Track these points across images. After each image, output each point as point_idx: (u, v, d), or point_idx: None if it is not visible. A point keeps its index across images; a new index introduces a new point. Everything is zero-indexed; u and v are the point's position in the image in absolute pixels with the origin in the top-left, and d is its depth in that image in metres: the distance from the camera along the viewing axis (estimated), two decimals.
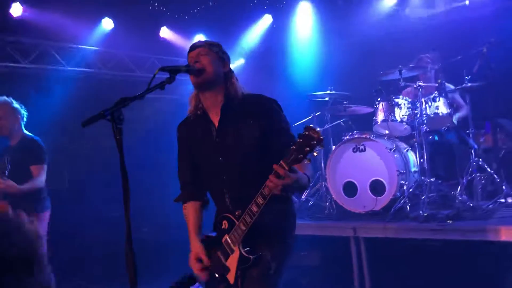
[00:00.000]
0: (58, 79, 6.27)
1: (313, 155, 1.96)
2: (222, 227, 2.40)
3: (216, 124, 2.41)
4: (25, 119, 4.19)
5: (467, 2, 6.24)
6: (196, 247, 2.45)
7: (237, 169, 2.37)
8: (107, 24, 6.56)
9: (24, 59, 6.08)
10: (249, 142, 2.33)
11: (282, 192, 2.04)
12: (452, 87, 5.14)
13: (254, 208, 2.17)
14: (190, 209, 2.55)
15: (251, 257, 2.27)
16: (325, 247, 5.09)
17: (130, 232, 1.79)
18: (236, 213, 2.31)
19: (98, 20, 6.49)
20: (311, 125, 1.98)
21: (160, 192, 7.55)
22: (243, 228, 2.25)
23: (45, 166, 4.14)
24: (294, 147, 1.95)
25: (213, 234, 2.49)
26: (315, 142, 1.92)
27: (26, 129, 4.20)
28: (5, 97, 4.13)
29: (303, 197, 5.50)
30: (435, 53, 5.45)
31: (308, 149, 1.93)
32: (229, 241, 2.34)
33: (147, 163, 6.73)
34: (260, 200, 2.14)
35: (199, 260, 2.42)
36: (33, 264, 0.66)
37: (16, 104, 4.14)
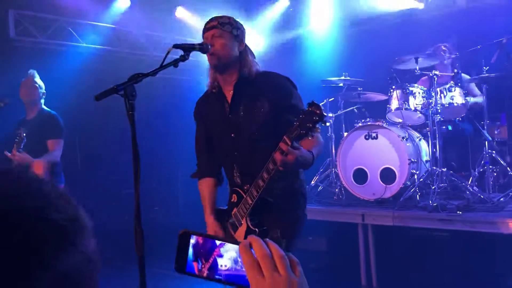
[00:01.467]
0: (73, 55, 6.30)
1: (316, 131, 1.93)
2: (232, 200, 2.48)
3: (229, 100, 2.45)
4: (44, 97, 4.25)
5: None
6: (212, 223, 2.51)
7: (247, 145, 2.40)
8: (123, 2, 6.55)
9: (41, 34, 6.11)
10: (260, 118, 2.35)
11: (285, 167, 2.05)
12: (467, 77, 5.07)
13: (260, 183, 2.21)
14: (204, 186, 2.61)
15: (257, 229, 2.32)
16: (333, 233, 5.10)
17: (139, 209, 1.81)
18: (245, 187, 2.38)
19: None
20: (314, 101, 1.95)
21: (170, 172, 7.63)
22: (250, 201, 2.31)
23: (62, 141, 4.19)
24: (297, 123, 1.95)
25: (224, 207, 2.56)
26: (317, 118, 1.91)
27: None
28: (33, 71, 4.19)
29: (312, 182, 5.51)
30: (453, 41, 5.37)
31: (310, 125, 1.92)
32: (238, 214, 2.41)
33: (158, 144, 6.76)
34: (265, 175, 2.17)
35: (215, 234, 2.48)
36: (77, 230, 0.61)
37: (39, 80, 4.20)
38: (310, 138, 2.00)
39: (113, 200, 6.59)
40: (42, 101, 4.24)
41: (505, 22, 5.29)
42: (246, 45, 2.46)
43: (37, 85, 4.19)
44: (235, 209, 2.44)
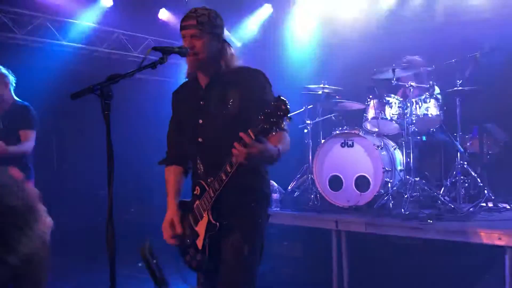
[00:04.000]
0: (53, 53, 6.24)
1: (282, 127, 1.92)
2: (195, 192, 2.45)
3: (203, 87, 2.44)
4: (13, 84, 4.18)
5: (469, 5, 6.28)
6: (173, 211, 2.48)
7: (213, 134, 2.38)
8: (106, 1, 6.52)
9: (20, 31, 6.04)
10: (230, 109, 2.32)
11: (247, 161, 2.02)
12: (438, 90, 5.20)
13: (223, 176, 2.20)
14: (171, 173, 2.59)
15: (217, 223, 2.31)
16: (307, 239, 5.15)
17: (112, 207, 1.82)
18: (209, 180, 2.34)
19: None
20: (281, 96, 1.94)
21: (147, 173, 7.59)
22: (212, 194, 2.30)
23: (34, 132, 4.15)
24: (262, 117, 1.93)
25: (188, 199, 2.53)
26: (281, 113, 1.90)
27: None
28: None
29: (289, 188, 5.56)
30: (429, 54, 5.51)
31: (274, 119, 1.91)
32: (200, 207, 2.39)
33: (134, 145, 6.74)
34: (228, 168, 2.16)
35: (172, 225, 2.45)
36: (34, 217, 0.66)
37: (3, 70, 4.14)
38: (274, 133, 1.98)
39: (89, 201, 6.53)
40: (12, 89, 4.16)
41: (479, 38, 5.45)
42: (225, 41, 2.43)
43: (2, 76, 4.12)
44: (197, 202, 2.41)
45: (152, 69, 2.09)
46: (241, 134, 1.98)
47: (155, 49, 2.16)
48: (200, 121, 2.42)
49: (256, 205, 2.44)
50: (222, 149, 2.17)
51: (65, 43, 6.38)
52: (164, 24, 7.31)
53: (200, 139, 2.42)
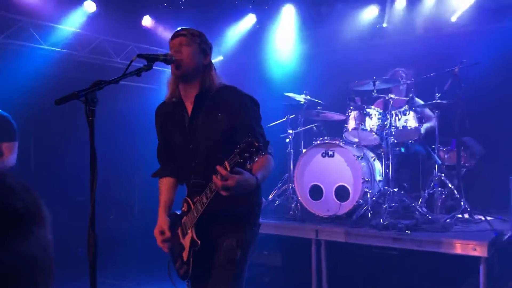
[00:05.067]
0: (34, 57, 6.16)
1: (254, 160, 2.03)
2: (183, 208, 2.54)
3: (189, 112, 2.47)
4: None
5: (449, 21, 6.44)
6: (162, 219, 2.55)
7: (203, 158, 2.44)
8: (89, 6, 6.49)
9: (0, 33, 5.95)
10: (217, 134, 2.39)
11: (226, 191, 2.10)
12: (421, 102, 5.31)
13: (204, 199, 2.30)
14: (164, 184, 2.66)
15: (199, 242, 2.38)
16: (287, 248, 5.17)
17: (94, 214, 1.81)
18: (194, 199, 2.41)
19: (80, 1, 6.42)
20: (259, 134, 2.09)
21: (128, 180, 7.53)
22: (195, 214, 2.38)
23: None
24: (237, 150, 2.03)
25: (179, 212, 2.61)
26: (253, 149, 2.00)
27: None
28: None
29: (270, 196, 5.58)
30: (410, 67, 5.62)
31: (247, 155, 2.01)
32: (186, 223, 2.48)
33: (115, 152, 6.68)
34: (208, 193, 2.25)
35: (162, 232, 2.52)
36: (36, 221, 0.66)
37: None
38: (248, 166, 2.07)
39: (67, 207, 6.42)
40: None
41: (458, 52, 5.60)
42: (211, 61, 2.49)
43: None
44: (184, 218, 2.50)
45: (137, 76, 2.10)
46: (218, 167, 2.08)
47: (140, 56, 2.16)
48: (190, 146, 2.47)
49: (249, 215, 2.51)
50: (211, 171, 2.23)
51: (46, 47, 6.30)
52: (147, 31, 7.30)
53: (193, 163, 2.48)
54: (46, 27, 6.31)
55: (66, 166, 6.45)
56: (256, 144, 1.99)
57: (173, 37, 2.42)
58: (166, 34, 7.21)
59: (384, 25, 6.86)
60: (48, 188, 6.48)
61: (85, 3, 6.43)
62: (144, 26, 7.24)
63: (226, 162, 2.07)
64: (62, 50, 6.49)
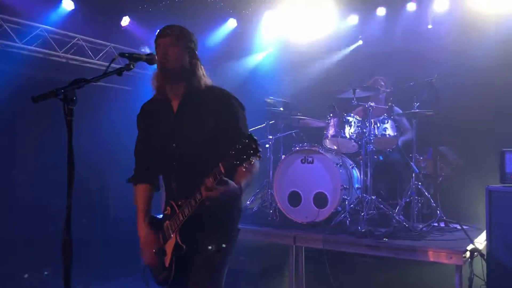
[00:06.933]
0: (8, 56, 5.98)
1: (250, 163, 2.00)
2: (165, 212, 2.45)
3: (175, 110, 2.42)
4: None
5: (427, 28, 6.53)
6: (146, 231, 2.47)
7: (187, 158, 2.38)
8: (67, 4, 6.34)
9: None
10: (202, 134, 2.35)
11: (210, 201, 2.11)
12: (400, 111, 5.36)
13: (193, 203, 2.24)
14: (139, 192, 2.57)
15: (184, 246, 2.32)
16: (265, 254, 5.14)
17: (70, 217, 1.75)
18: (179, 203, 2.35)
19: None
20: (253, 135, 2.00)
21: (101, 183, 7.38)
22: (181, 218, 2.31)
23: None
24: (232, 152, 1.99)
25: (159, 216, 2.53)
26: (251, 151, 1.96)
27: None
28: None
29: (248, 202, 5.54)
30: (389, 77, 5.68)
31: (244, 157, 1.97)
32: (169, 227, 2.39)
33: (89, 154, 6.54)
34: (198, 196, 2.19)
35: (150, 244, 2.44)
36: None
37: None
38: (243, 169, 2.08)
39: (40, 210, 6.26)
40: None
41: (435, 63, 5.69)
42: (197, 58, 2.44)
43: None
44: (167, 222, 2.41)
45: (118, 75, 2.03)
46: (206, 179, 2.07)
47: (122, 55, 2.10)
48: (174, 145, 2.40)
49: (230, 220, 2.46)
50: (196, 173, 2.22)
51: (21, 45, 6.13)
52: (126, 32, 7.19)
53: (174, 163, 2.42)
54: (22, 24, 6.13)
55: (39, 168, 6.29)
56: (255, 146, 1.96)
57: (158, 37, 2.37)
58: (145, 35, 7.12)
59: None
60: (19, 191, 6.31)
61: (63, 0, 6.28)
62: (123, 26, 7.13)
63: (220, 164, 2.03)
64: (38, 49, 6.32)
